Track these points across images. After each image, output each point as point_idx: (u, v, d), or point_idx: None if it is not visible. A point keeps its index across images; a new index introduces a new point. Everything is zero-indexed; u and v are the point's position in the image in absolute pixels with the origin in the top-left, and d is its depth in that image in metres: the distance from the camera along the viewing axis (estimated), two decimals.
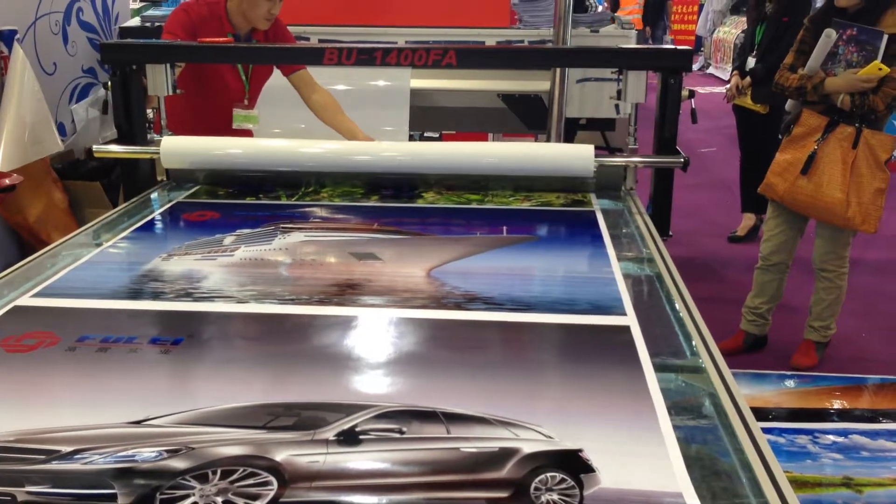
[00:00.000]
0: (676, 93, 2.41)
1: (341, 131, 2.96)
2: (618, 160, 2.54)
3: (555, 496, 1.01)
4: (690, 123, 2.75)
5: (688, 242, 5.03)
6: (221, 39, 2.76)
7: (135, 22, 4.42)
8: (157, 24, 4.24)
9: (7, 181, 2.98)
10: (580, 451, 1.09)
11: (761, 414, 2.91)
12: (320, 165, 2.49)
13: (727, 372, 1.33)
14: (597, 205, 2.33)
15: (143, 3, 6.57)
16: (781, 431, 2.78)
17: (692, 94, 2.59)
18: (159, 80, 2.53)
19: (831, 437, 2.75)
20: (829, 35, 3.12)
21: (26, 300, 1.61)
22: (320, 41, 3.96)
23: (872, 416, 2.95)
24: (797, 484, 2.47)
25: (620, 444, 1.11)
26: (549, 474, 1.05)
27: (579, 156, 2.41)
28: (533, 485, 1.03)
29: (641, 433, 1.13)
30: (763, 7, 4.74)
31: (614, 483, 1.02)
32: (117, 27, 4.34)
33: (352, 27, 4.02)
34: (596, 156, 2.39)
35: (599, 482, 1.03)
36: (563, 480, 1.04)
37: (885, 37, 3.06)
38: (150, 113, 2.67)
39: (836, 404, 3.05)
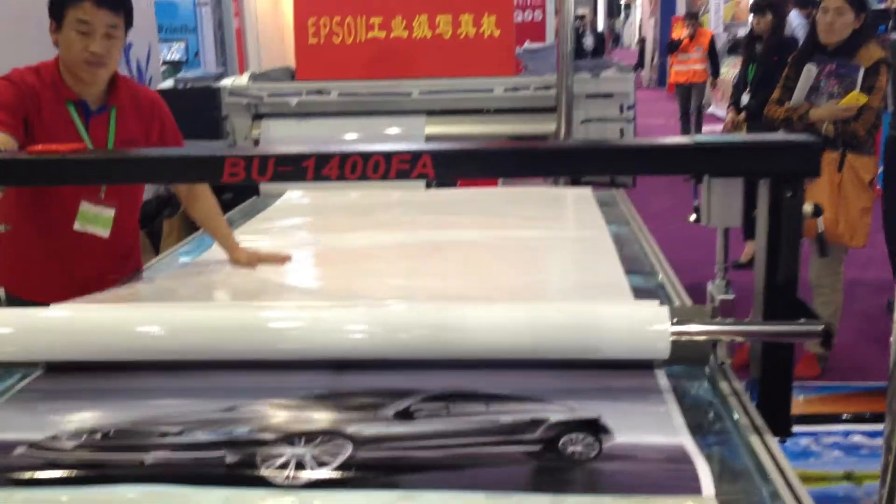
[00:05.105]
0: (796, 211, 1.46)
1: (219, 238, 2.34)
2: (705, 329, 1.54)
3: (579, 447, 1.24)
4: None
5: (694, 271, 5.21)
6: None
7: (168, 84, 4.70)
8: (190, 84, 4.54)
9: None
10: (598, 418, 1.32)
11: None
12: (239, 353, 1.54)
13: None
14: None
15: (164, 68, 6.93)
16: None
17: (818, 211, 1.56)
18: None
19: (833, 438, 2.94)
20: (810, 70, 3.40)
21: None
22: (340, 95, 4.20)
23: (872, 419, 3.13)
24: (803, 479, 2.66)
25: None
26: (573, 434, 1.29)
27: (647, 321, 1.48)
28: (561, 440, 1.27)
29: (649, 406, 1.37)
30: (753, 47, 5.05)
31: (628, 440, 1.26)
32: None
33: (368, 81, 4.26)
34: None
35: (615, 440, 1.26)
36: (585, 437, 1.28)
37: (862, 70, 3.34)
38: None
39: (838, 410, 3.24)
